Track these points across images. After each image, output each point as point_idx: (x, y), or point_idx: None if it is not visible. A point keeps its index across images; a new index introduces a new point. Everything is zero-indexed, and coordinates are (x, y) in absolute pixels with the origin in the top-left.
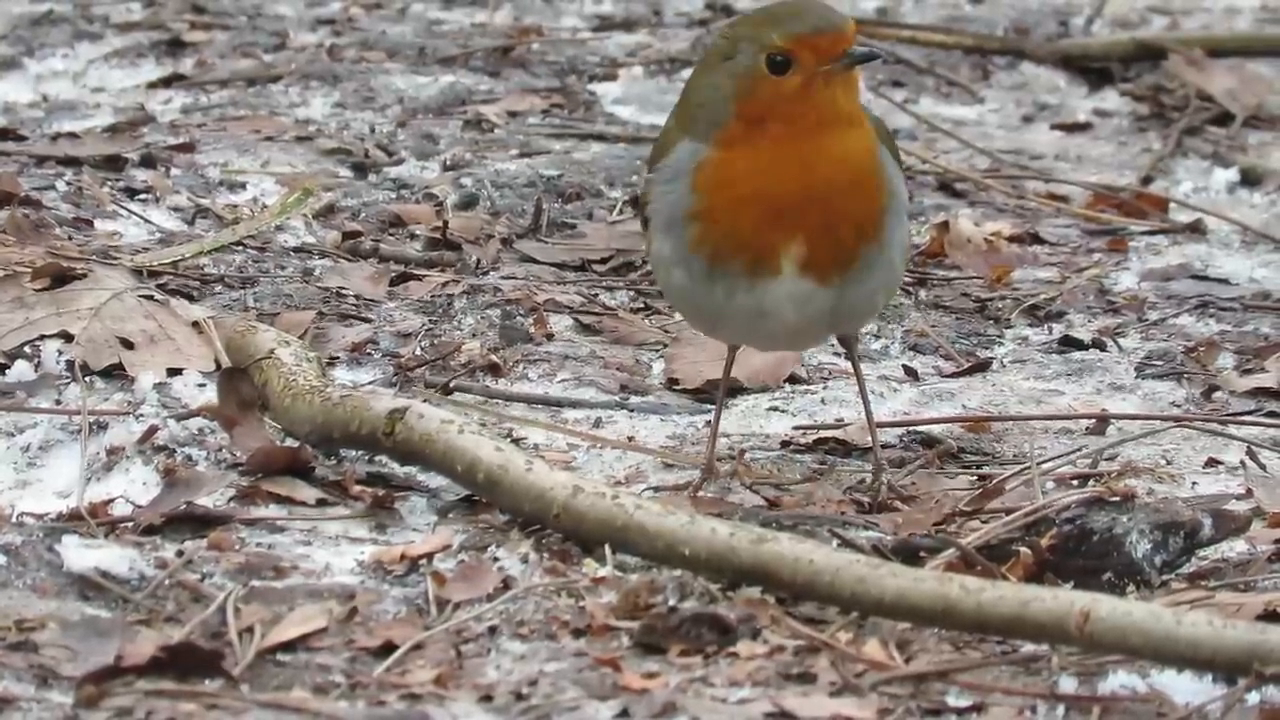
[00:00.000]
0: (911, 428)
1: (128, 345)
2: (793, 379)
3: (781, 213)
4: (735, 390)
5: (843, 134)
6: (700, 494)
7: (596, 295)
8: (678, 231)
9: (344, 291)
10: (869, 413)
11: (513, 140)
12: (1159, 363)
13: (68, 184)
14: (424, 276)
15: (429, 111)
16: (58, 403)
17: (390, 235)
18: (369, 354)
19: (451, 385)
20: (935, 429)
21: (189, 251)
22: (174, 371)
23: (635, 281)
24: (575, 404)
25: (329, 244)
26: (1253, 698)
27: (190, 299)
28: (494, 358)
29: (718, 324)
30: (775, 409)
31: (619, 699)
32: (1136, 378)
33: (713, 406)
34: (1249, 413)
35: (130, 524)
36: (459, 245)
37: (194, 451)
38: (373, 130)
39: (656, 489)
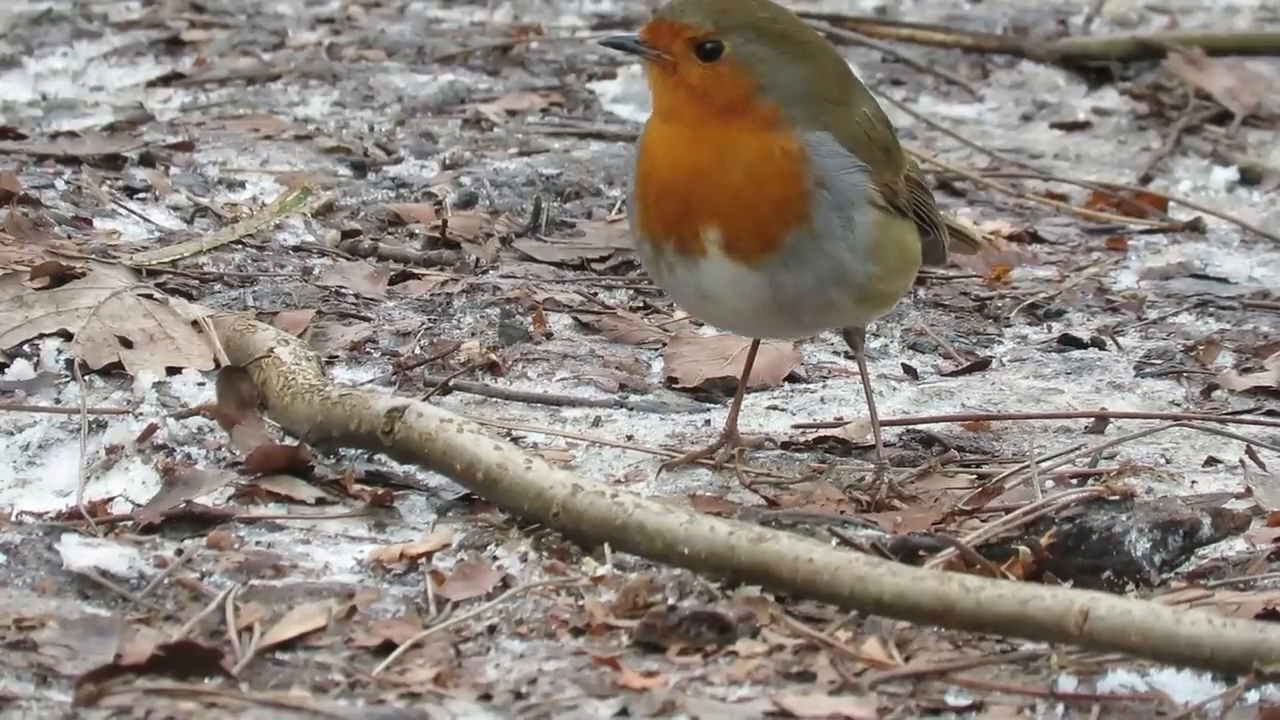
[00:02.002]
0: (910, 426)
1: (127, 344)
2: (792, 377)
3: (688, 198)
4: (735, 389)
5: (732, 120)
6: (718, 456)
7: (595, 294)
8: (631, 212)
9: (343, 290)
10: (873, 410)
11: (512, 139)
12: (1158, 361)
13: (67, 183)
14: (423, 275)
15: (428, 110)
16: (57, 401)
17: (389, 234)
18: (368, 353)
19: (450, 384)
20: (934, 428)
21: (188, 250)
22: (173, 370)
23: (634, 280)
24: (574, 403)
25: (328, 243)
26: (1252, 696)
27: (189, 298)
28: (493, 356)
29: (684, 307)
30: (774, 407)
31: (618, 698)
32: (1136, 376)
33: (712, 405)
34: (1248, 411)
35: (130, 523)
36: (458, 244)
37: (193, 450)
38: (372, 129)
39: (673, 454)
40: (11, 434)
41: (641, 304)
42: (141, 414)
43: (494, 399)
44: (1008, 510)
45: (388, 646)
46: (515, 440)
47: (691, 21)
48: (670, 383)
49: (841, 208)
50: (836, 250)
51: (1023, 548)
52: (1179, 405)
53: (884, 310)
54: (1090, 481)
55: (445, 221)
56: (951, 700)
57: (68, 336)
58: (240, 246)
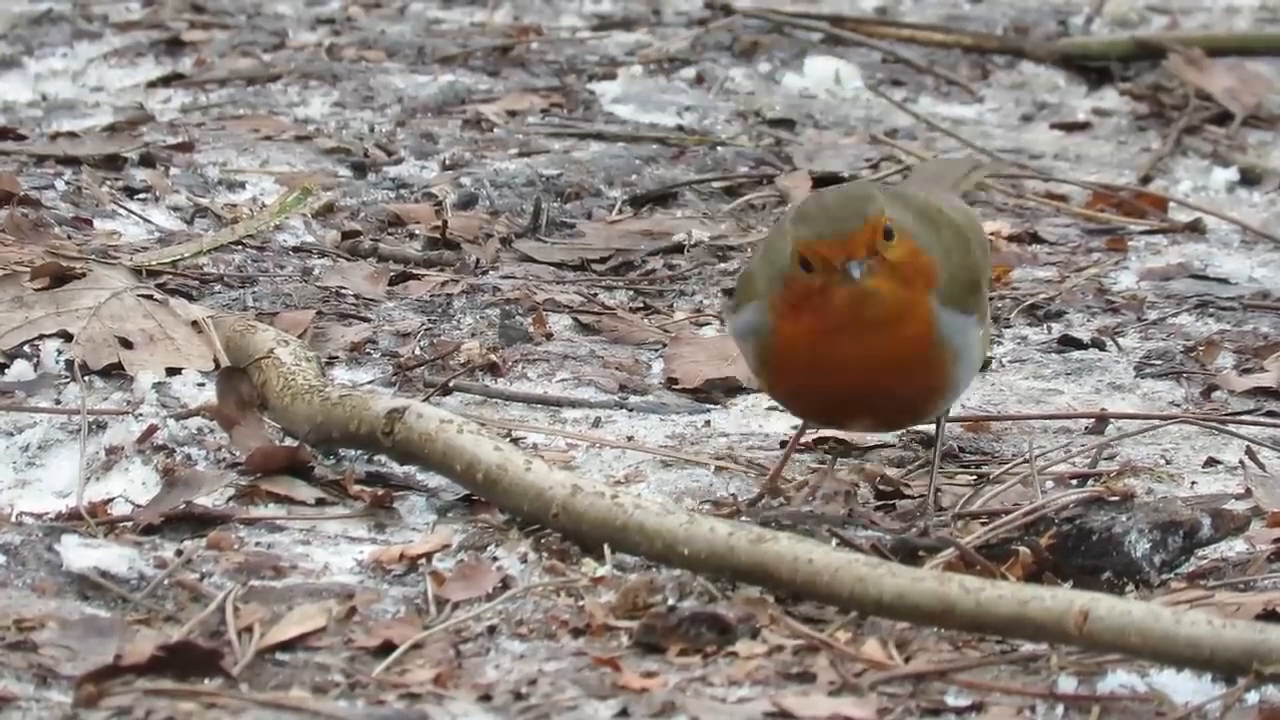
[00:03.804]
0: (910, 427)
1: (127, 345)
2: None
3: (839, 400)
4: (735, 389)
5: (887, 331)
6: (757, 507)
7: (596, 295)
8: (762, 379)
9: (343, 291)
10: (933, 473)
11: (512, 139)
12: (1158, 362)
13: (67, 183)
14: (423, 276)
15: (428, 111)
16: (57, 402)
17: (389, 235)
18: (368, 353)
19: (451, 385)
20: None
21: (188, 251)
22: (173, 371)
23: (634, 281)
24: (574, 403)
25: (328, 243)
26: (1252, 697)
27: (189, 298)
28: (493, 357)
29: None
30: (775, 408)
31: (618, 698)
32: (1136, 377)
33: (712, 406)
34: (1248, 412)
35: (129, 523)
36: (458, 245)
37: (193, 451)
38: (372, 129)
39: (715, 504)
40: (11, 434)
41: (641, 305)
42: (141, 414)
43: (494, 400)
44: (1008, 511)
45: (388, 647)
46: (515, 441)
47: (851, 237)
48: (670, 383)
49: (965, 360)
50: (963, 387)
51: (1023, 548)
52: (1179, 406)
53: None
54: (1090, 482)
55: (445, 222)
56: (951, 701)
57: (68, 337)
58: (240, 247)
